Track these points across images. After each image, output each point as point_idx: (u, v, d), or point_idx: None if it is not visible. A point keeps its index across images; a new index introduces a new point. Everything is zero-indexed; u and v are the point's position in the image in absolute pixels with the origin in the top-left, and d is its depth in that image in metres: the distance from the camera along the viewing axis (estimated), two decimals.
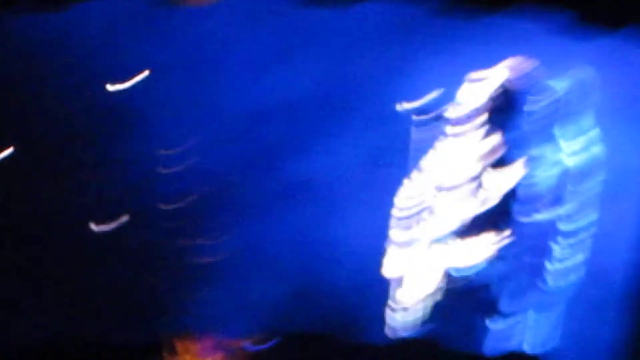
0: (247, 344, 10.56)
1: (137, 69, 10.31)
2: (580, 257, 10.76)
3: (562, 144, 10.69)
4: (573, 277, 10.78)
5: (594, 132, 10.61)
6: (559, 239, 10.78)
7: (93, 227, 10.34)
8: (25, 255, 10.27)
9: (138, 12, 10.11)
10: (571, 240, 10.76)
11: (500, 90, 10.41)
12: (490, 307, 10.80)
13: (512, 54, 10.33)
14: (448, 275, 10.75)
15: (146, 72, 10.26)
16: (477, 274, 10.69)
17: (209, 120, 10.49)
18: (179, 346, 10.40)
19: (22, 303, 10.29)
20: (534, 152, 10.65)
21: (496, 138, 10.50)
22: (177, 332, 10.45)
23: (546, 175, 10.69)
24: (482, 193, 10.53)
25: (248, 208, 10.64)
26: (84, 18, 10.06)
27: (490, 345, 10.71)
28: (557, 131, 10.69)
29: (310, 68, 10.26)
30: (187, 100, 10.36)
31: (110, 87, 10.25)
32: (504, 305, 10.77)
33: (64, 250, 10.41)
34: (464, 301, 10.73)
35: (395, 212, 10.56)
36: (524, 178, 10.50)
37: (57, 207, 10.39)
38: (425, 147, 10.51)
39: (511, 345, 10.71)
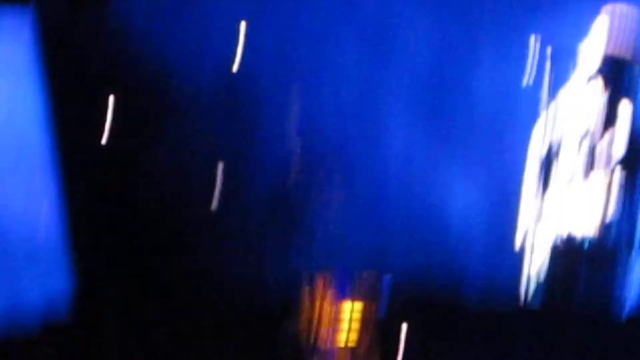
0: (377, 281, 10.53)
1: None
2: None
3: None
4: None
5: None
6: None
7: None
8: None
9: None
10: None
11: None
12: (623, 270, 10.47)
13: None
14: (576, 241, 10.46)
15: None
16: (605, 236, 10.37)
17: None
18: (319, 282, 10.58)
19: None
20: None
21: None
22: (317, 270, 10.55)
23: None
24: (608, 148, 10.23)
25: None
26: None
27: (624, 310, 10.36)
28: None
29: None
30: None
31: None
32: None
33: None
34: (598, 265, 10.42)
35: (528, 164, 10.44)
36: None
37: None
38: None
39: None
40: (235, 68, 10.65)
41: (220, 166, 10.79)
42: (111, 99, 10.44)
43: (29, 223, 9.86)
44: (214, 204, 10.79)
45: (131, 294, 10.59)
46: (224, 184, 10.81)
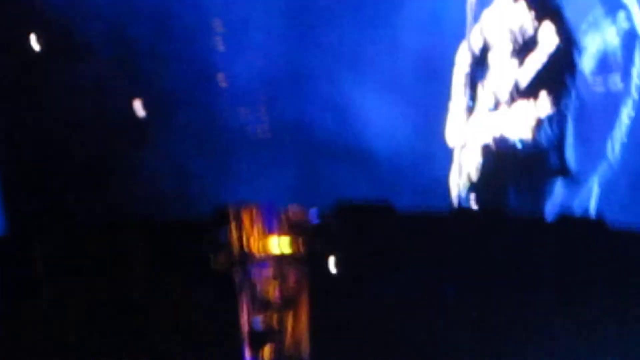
0: (306, 215, 10.55)
1: None
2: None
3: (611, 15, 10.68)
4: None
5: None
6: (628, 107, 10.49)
7: None
8: None
9: None
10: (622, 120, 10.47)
11: None
12: (552, 171, 10.46)
13: None
14: (508, 142, 10.57)
15: None
16: (537, 138, 10.45)
17: None
18: (244, 216, 10.62)
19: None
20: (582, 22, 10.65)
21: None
22: (241, 203, 10.62)
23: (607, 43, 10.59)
24: (532, 58, 10.52)
25: None
26: None
27: (552, 209, 10.29)
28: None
29: None
30: None
31: None
32: (566, 169, 10.41)
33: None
34: (527, 166, 10.46)
35: (456, 72, 10.71)
36: (591, 38, 10.47)
37: None
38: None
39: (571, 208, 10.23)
40: None
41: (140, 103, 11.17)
42: None
43: None
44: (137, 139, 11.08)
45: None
46: (146, 120, 11.14)
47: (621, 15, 10.47)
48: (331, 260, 10.55)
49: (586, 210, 10.23)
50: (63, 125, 11.10)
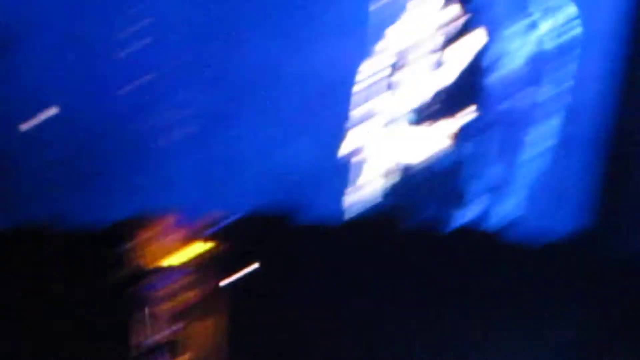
0: (206, 224, 10.68)
1: None
2: (549, 143, 10.70)
3: (537, 21, 10.86)
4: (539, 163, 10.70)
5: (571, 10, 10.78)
6: (530, 125, 10.77)
7: None
8: None
9: None
10: (542, 128, 10.73)
11: None
12: (452, 189, 10.73)
13: None
14: (408, 158, 10.79)
15: None
16: (439, 157, 10.69)
17: None
18: (147, 226, 10.71)
19: None
20: (505, 28, 10.83)
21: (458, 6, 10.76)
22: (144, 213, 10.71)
23: (518, 55, 10.80)
24: (443, 67, 10.69)
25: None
26: None
27: (450, 224, 10.58)
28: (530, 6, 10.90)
29: None
30: None
31: None
32: (465, 186, 10.69)
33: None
34: (424, 182, 10.69)
35: (356, 86, 10.84)
36: (494, 56, 10.67)
37: None
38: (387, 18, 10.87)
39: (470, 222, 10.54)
40: None
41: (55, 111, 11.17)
42: None
43: None
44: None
45: None
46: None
47: (534, 35, 10.77)
48: (237, 269, 10.76)
49: (502, 218, 10.56)
50: None
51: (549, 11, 10.74)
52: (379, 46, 10.91)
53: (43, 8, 10.82)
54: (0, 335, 10.10)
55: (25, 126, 11.06)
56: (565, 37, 10.76)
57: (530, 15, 10.86)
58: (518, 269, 10.36)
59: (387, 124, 10.88)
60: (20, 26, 10.92)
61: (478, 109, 10.75)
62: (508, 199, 10.72)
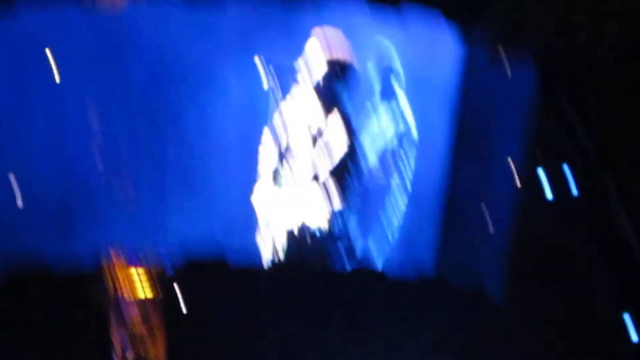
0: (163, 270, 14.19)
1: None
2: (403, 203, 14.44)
3: (386, 124, 14.77)
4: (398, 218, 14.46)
5: (409, 116, 14.75)
6: (396, 196, 14.64)
7: None
8: None
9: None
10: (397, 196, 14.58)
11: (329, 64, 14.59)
12: (341, 244, 14.43)
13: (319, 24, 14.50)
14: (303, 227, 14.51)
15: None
16: (330, 224, 14.41)
17: None
18: (113, 258, 14.18)
19: None
20: (365, 127, 14.72)
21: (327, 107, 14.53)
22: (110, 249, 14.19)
23: (383, 144, 14.66)
24: (324, 158, 14.45)
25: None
26: None
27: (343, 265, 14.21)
28: (380, 110, 14.81)
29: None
30: None
31: None
32: (352, 239, 14.40)
33: None
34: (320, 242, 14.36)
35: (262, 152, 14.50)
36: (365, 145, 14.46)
37: None
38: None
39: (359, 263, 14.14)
40: None
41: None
42: None
43: None
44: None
45: None
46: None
47: (394, 124, 14.59)
48: (180, 302, 14.32)
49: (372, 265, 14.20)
50: None
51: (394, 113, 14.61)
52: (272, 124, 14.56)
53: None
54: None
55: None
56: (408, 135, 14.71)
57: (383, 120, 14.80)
58: (387, 295, 13.97)
59: (280, 187, 14.53)
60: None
61: (348, 191, 14.50)
62: (379, 245, 14.47)
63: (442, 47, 14.30)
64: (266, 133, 14.34)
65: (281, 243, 14.32)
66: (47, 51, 14.44)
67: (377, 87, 14.70)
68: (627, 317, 13.65)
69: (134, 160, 14.66)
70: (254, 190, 14.46)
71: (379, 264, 14.48)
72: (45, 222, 14.64)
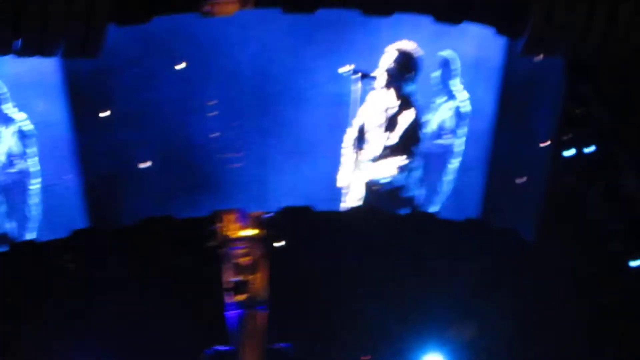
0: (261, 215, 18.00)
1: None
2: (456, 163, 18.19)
3: (454, 97, 18.57)
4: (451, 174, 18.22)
5: (459, 93, 18.53)
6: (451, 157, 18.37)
7: None
8: None
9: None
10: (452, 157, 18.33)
11: (399, 61, 18.39)
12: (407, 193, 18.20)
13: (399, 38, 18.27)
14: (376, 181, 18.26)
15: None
16: (397, 179, 18.18)
17: None
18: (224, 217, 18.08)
19: None
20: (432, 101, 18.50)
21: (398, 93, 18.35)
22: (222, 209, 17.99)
23: (442, 117, 18.48)
24: (394, 130, 18.28)
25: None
26: None
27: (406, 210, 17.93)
28: (449, 88, 18.61)
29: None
30: None
31: None
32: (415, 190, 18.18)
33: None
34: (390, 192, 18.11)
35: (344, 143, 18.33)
36: (427, 118, 18.25)
37: None
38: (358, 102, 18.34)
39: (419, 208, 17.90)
40: None
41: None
42: None
43: None
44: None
45: None
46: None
47: (452, 102, 18.34)
48: (276, 240, 18.15)
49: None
50: None
51: (451, 95, 18.42)
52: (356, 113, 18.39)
53: None
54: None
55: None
56: (462, 110, 18.50)
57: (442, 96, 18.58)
58: (439, 232, 17.69)
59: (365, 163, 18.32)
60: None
61: (416, 150, 18.29)
62: (436, 198, 18.24)
63: (488, 43, 18.07)
64: (351, 112, 18.01)
65: (359, 194, 18.05)
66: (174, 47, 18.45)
67: (439, 74, 18.43)
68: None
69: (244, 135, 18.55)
70: (341, 154, 18.14)
71: (434, 209, 18.06)
72: (171, 183, 18.61)
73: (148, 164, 18.55)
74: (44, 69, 17.68)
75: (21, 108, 18.28)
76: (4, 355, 16.26)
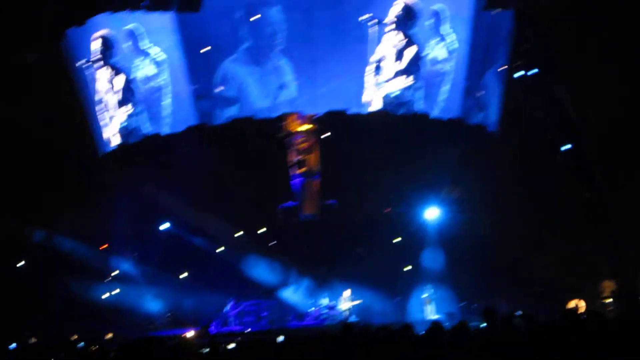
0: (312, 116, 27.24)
1: None
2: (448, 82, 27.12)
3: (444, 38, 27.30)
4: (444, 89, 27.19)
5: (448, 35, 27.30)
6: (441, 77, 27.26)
7: None
8: None
9: None
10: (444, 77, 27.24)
11: (404, 10, 27.09)
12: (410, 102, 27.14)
13: None
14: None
15: None
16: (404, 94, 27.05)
17: None
18: (288, 117, 27.33)
19: None
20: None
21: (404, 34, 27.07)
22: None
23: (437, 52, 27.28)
24: (402, 59, 27.05)
25: None
26: None
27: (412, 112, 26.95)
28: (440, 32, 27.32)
29: None
30: None
31: None
32: (417, 100, 27.10)
33: None
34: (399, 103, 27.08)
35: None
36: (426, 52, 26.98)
37: None
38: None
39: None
40: None
41: None
42: None
43: None
44: None
45: None
46: None
47: (442, 42, 27.14)
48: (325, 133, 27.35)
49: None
50: None
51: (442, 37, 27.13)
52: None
53: None
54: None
55: None
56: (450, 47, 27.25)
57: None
58: (433, 126, 26.79)
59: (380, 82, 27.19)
60: None
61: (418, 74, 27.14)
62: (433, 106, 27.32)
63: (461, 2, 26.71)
64: (371, 46, 26.69)
65: (379, 104, 26.90)
66: None
67: (434, 21, 27.07)
68: None
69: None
70: (365, 74, 26.90)
71: (434, 112, 26.96)
72: None
73: None
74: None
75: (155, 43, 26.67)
76: None
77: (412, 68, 26.69)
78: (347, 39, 26.44)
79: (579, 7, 24.60)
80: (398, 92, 26.63)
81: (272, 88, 26.46)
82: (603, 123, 25.79)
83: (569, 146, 27.36)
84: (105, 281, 29.85)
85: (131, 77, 26.93)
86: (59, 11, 25.41)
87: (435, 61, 27.25)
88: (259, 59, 26.45)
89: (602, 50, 24.68)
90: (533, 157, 27.18)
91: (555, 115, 27.27)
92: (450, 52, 27.06)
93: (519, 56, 27.36)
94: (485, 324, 12.41)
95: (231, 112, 26.71)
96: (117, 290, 29.80)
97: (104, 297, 29.58)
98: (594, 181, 27.33)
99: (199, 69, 26.42)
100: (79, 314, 27.45)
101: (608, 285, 27.45)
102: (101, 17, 26.09)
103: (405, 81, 26.59)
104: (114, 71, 27.05)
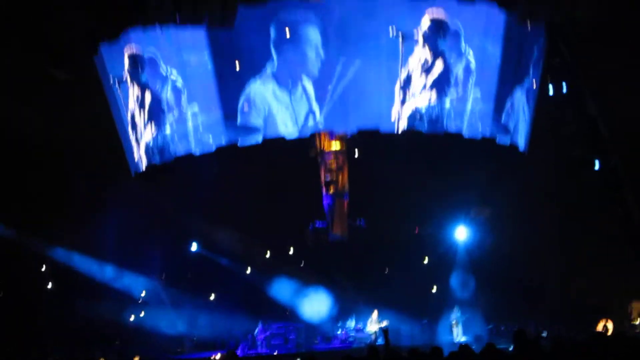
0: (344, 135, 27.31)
1: None
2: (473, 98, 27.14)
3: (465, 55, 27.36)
4: (471, 105, 27.25)
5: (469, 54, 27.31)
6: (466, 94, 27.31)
7: None
8: None
9: None
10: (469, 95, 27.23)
11: (432, 27, 27.17)
12: (438, 119, 27.17)
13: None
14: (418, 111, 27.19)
15: None
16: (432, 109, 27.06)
17: None
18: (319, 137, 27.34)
19: None
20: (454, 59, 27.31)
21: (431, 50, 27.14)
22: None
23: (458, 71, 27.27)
24: (429, 75, 27.08)
25: None
26: None
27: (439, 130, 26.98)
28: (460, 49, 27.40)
29: None
30: None
31: None
32: (445, 117, 27.15)
33: None
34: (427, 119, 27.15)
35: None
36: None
37: None
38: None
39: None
40: None
41: None
42: None
43: None
44: None
45: None
46: None
47: (464, 59, 27.15)
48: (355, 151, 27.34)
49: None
50: None
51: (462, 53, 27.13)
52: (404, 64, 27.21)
53: None
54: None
55: None
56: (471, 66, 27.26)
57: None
58: (462, 144, 26.86)
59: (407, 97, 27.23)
60: None
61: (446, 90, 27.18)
62: (459, 119, 27.29)
63: (492, 17, 26.72)
64: (400, 63, 26.73)
65: (406, 121, 26.87)
66: None
67: (462, 36, 27.09)
68: None
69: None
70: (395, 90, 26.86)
71: (462, 130, 26.85)
72: None
73: None
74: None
75: (174, 65, 26.34)
76: None
77: (440, 84, 26.77)
78: (380, 56, 25.90)
79: (612, 20, 24.61)
80: (425, 109, 26.68)
81: (300, 114, 25.66)
82: (636, 139, 25.76)
83: (599, 164, 27.35)
84: (133, 303, 29.73)
85: (160, 96, 26.89)
86: (91, 27, 25.28)
87: (463, 77, 27.37)
88: (289, 80, 25.87)
89: (635, 64, 24.62)
90: (563, 176, 27.18)
91: (586, 132, 27.20)
92: (478, 69, 27.13)
93: (550, 71, 27.34)
94: (513, 347, 12.32)
95: (258, 137, 26.41)
96: (144, 313, 29.68)
97: (131, 319, 29.46)
98: (625, 199, 27.20)
99: (228, 89, 26.36)
100: (106, 336, 27.42)
101: (637, 307, 27.25)
102: (133, 33, 26.02)
103: (433, 98, 26.74)
104: (143, 89, 27.01)
